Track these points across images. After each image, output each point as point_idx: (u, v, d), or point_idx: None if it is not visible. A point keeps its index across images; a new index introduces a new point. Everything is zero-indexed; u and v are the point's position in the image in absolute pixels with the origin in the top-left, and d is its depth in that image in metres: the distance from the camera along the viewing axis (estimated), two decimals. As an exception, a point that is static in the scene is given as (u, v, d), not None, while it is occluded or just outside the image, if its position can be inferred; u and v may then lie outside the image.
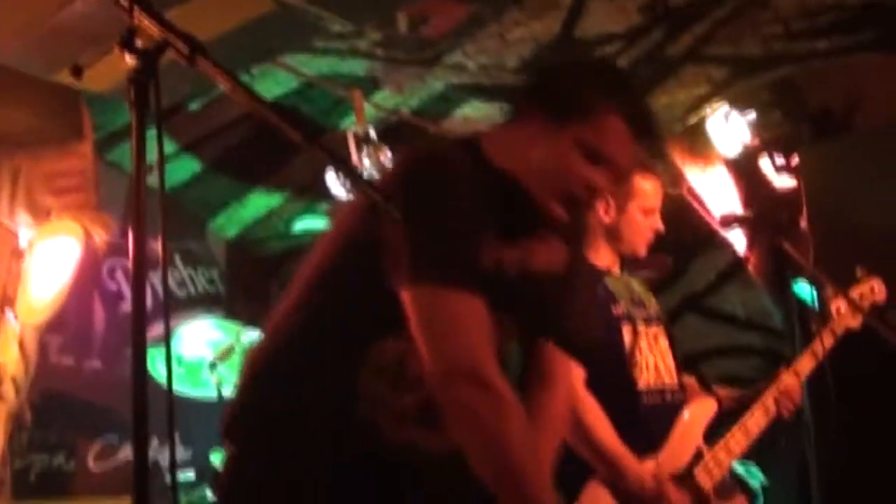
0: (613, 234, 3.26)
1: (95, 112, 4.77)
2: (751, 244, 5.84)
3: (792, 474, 5.05)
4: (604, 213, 3.22)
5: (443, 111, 5.46)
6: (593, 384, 2.97)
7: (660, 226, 3.29)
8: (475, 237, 2.15)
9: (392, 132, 5.16)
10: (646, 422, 3.15)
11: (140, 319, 1.63)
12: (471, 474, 2.12)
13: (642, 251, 3.29)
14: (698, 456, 3.17)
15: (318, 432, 2.18)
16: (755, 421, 3.27)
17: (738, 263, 6.01)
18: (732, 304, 6.23)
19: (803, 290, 4.36)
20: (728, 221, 4.22)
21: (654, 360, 3.24)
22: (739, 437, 3.24)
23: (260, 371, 2.32)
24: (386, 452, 2.17)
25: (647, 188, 3.26)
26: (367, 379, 2.16)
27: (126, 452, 5.55)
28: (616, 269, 3.29)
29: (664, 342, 3.31)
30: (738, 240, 5.86)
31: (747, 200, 5.79)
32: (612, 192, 2.79)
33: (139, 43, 1.65)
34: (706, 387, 3.41)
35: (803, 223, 5.05)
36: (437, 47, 4.92)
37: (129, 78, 1.66)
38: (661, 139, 2.35)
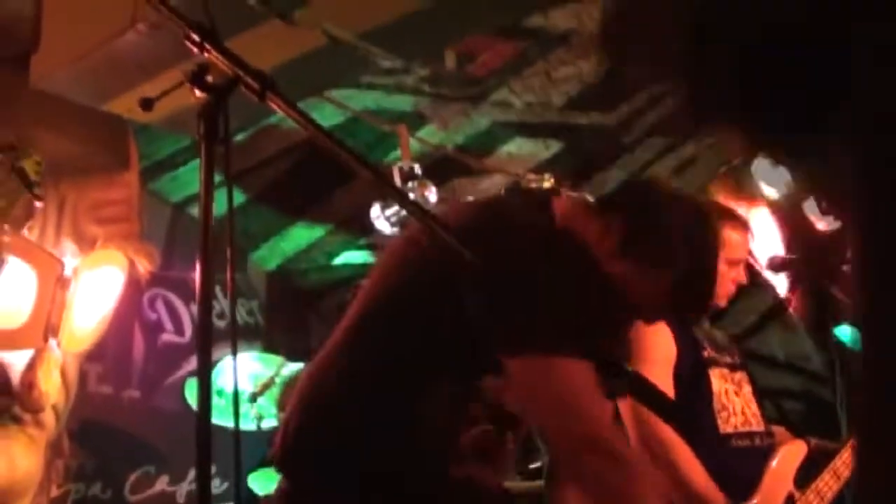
0: None
1: (139, 142, 4.81)
2: (793, 286, 5.79)
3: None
4: None
5: (487, 147, 5.47)
6: (683, 429, 2.97)
7: (743, 278, 3.25)
8: (572, 299, 2.14)
9: (437, 168, 5.17)
10: (735, 466, 3.12)
11: (205, 352, 1.62)
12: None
13: (723, 303, 3.25)
14: (790, 501, 3.14)
15: (375, 469, 2.17)
16: (844, 463, 3.23)
17: (779, 305, 5.95)
18: (772, 345, 6.18)
19: (845, 333, 4.32)
20: (776, 265, 4.17)
21: (741, 404, 3.22)
22: (830, 481, 3.21)
23: (313, 404, 2.31)
24: (442, 488, 2.19)
25: (735, 239, 3.21)
26: (428, 415, 2.16)
27: (163, 483, 5.55)
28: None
29: (748, 388, 3.29)
30: (779, 282, 5.81)
31: (790, 243, 5.75)
32: None
33: (209, 78, 1.66)
34: (795, 431, 3.38)
35: (847, 266, 5.00)
36: (483, 84, 4.94)
37: (199, 113, 1.67)
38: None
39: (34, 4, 4.03)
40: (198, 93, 1.65)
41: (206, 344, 1.68)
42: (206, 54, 1.66)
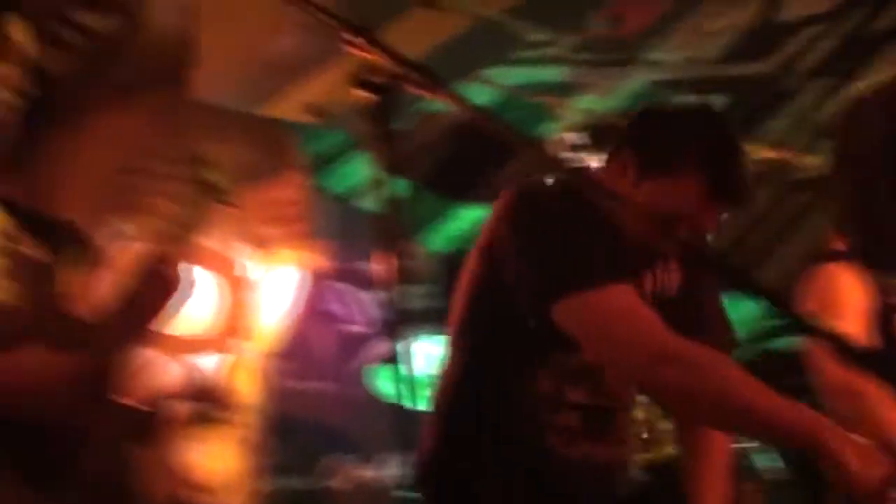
0: None
1: (300, 140, 4.91)
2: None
3: None
4: None
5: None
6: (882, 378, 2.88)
7: None
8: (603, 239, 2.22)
9: (599, 135, 5.12)
10: None
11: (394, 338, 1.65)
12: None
13: None
14: None
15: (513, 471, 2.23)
16: None
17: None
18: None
19: None
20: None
21: None
22: None
23: (442, 422, 2.36)
24: (566, 470, 2.30)
25: None
26: (532, 405, 2.20)
27: (356, 470, 5.67)
28: None
29: None
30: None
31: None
32: None
33: (371, 77, 1.67)
34: None
35: None
36: (634, 45, 4.86)
37: (366, 113, 1.69)
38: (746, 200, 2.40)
39: (188, 21, 4.15)
40: (362, 93, 1.66)
41: (394, 329, 1.72)
42: (364, 53, 1.67)
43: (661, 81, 5.15)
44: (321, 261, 4.60)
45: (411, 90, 1.70)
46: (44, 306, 1.88)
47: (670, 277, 2.52)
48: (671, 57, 4.94)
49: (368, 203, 5.85)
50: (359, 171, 5.56)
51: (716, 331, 2.60)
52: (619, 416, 2.47)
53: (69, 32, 4.03)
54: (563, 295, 2.17)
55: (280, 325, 4.67)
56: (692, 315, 2.49)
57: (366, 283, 5.93)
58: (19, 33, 1.96)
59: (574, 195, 2.27)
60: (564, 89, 4.92)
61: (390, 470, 5.72)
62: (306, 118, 4.34)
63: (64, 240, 2.01)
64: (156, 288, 2.09)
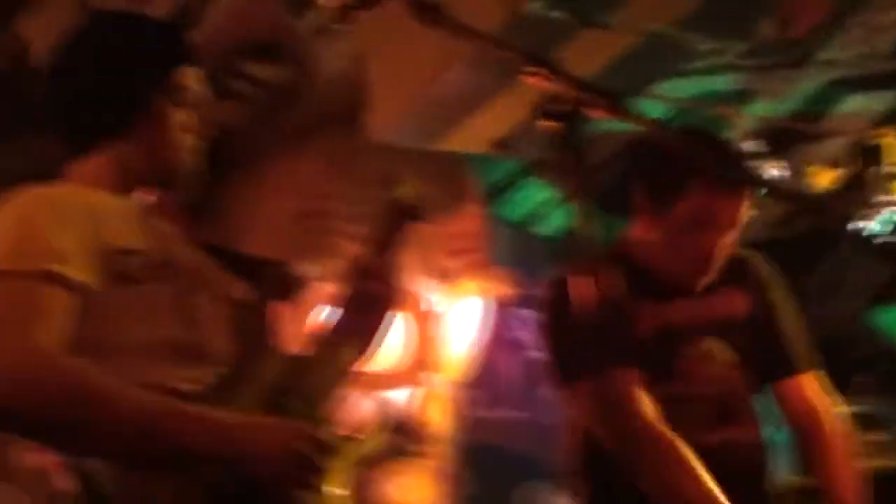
0: None
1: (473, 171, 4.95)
2: None
3: None
4: None
5: (821, 110, 5.24)
6: None
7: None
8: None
9: (775, 140, 5.02)
10: None
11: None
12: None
13: None
14: None
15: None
16: None
17: None
18: None
19: None
20: None
21: None
22: None
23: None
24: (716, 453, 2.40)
25: None
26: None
27: (550, 496, 5.65)
28: None
29: None
30: None
31: None
32: None
33: (556, 106, 1.68)
34: None
35: None
36: (804, 46, 4.74)
37: (552, 142, 1.69)
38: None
39: (357, 63, 4.24)
40: (546, 123, 1.66)
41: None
42: (544, 82, 1.68)
43: (833, 80, 5.01)
44: (504, 289, 4.63)
45: (595, 115, 1.69)
46: (254, 345, 1.94)
47: (733, 301, 2.62)
48: (843, 55, 4.80)
49: (545, 228, 5.88)
50: (533, 197, 5.57)
51: (793, 350, 2.67)
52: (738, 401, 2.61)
53: (241, 84, 4.19)
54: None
55: (468, 356, 4.72)
56: (764, 336, 2.62)
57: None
58: (194, 81, 2.04)
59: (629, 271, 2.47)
60: (737, 97, 4.83)
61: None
62: (484, 150, 4.38)
63: (269, 278, 2.08)
64: (370, 314, 2.15)
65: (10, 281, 1.71)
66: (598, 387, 2.22)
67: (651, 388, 2.42)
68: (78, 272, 1.74)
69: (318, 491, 1.80)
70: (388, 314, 2.19)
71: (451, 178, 4.72)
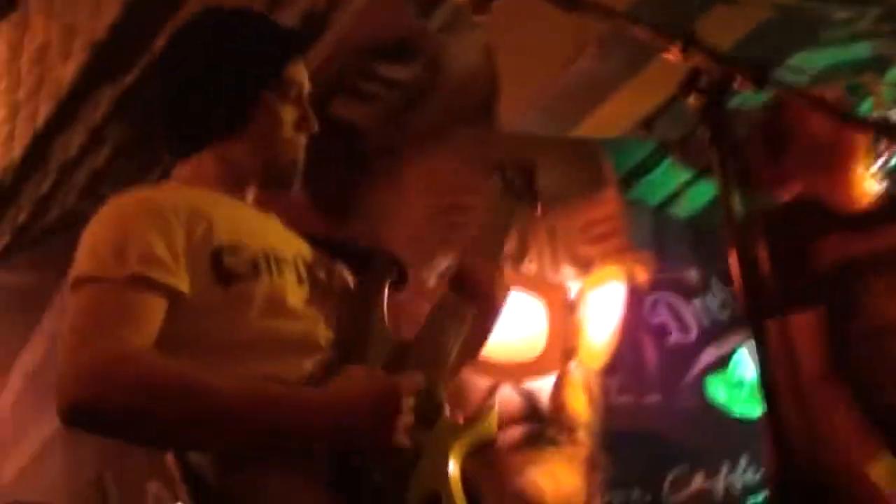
0: None
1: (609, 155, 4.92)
2: None
3: None
4: None
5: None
6: None
7: None
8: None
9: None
10: None
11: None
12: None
13: None
14: None
15: None
16: None
17: None
18: None
19: None
20: None
21: None
22: None
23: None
24: None
25: None
26: None
27: (699, 481, 5.59)
28: None
29: None
30: None
31: None
32: None
33: (702, 83, 1.66)
34: None
35: None
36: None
37: (700, 118, 1.68)
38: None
39: (487, 55, 4.26)
40: (693, 98, 1.65)
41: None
42: (691, 60, 1.67)
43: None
44: (643, 273, 4.59)
45: (741, 89, 1.67)
46: (362, 330, 1.93)
47: None
48: None
49: (683, 210, 5.81)
50: (670, 179, 5.51)
51: None
52: None
53: (374, 86, 4.24)
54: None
55: (609, 342, 4.69)
56: None
57: (689, 291, 5.85)
58: (301, 75, 2.04)
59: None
60: (876, 65, 4.69)
61: (732, 480, 5.61)
62: (618, 134, 4.36)
63: (378, 265, 2.06)
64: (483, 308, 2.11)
65: (104, 287, 1.74)
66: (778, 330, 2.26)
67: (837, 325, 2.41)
68: (170, 277, 1.77)
69: (412, 447, 1.76)
70: (500, 302, 2.13)
71: (588, 163, 4.70)
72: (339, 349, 1.88)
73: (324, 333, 1.89)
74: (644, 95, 4.16)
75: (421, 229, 4.08)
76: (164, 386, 1.66)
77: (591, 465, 4.79)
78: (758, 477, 5.62)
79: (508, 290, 2.18)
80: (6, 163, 4.69)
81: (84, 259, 1.80)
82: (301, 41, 2.14)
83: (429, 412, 1.84)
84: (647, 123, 1.80)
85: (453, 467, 1.86)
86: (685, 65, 1.69)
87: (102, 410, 1.64)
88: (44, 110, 4.22)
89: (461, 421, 1.93)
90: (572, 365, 4.46)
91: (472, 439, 1.92)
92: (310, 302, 1.91)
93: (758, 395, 5.00)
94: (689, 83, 1.66)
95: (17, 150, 4.57)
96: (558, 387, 4.44)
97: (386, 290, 2.01)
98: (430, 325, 2.01)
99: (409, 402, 1.75)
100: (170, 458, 1.81)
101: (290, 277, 1.90)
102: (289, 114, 1.99)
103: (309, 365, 1.83)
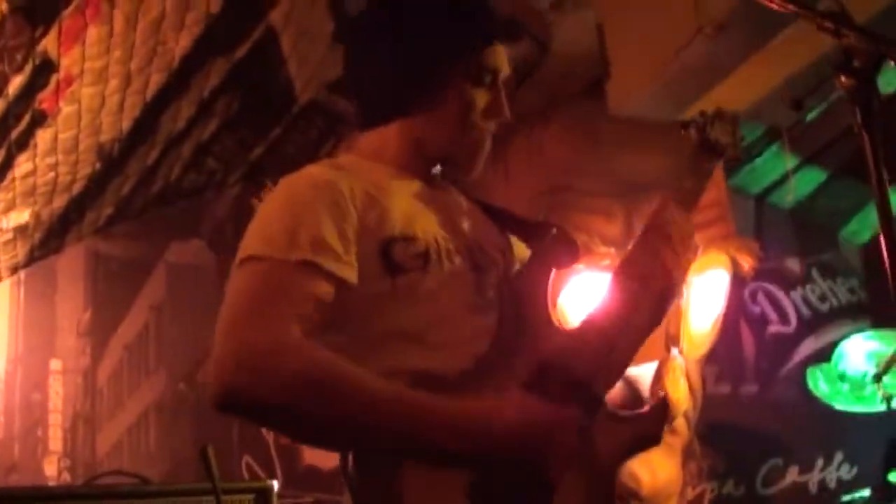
0: None
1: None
2: None
3: None
4: None
5: None
6: None
7: None
8: None
9: None
10: None
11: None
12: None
13: None
14: None
15: None
16: None
17: None
18: None
19: None
20: None
21: None
22: None
23: None
24: None
25: None
26: None
27: (793, 474, 5.52)
28: None
29: None
30: None
31: None
32: None
33: (854, 61, 1.62)
34: None
35: None
36: None
37: (849, 99, 1.63)
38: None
39: (598, 38, 4.22)
40: (844, 79, 1.60)
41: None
42: (844, 39, 1.62)
43: None
44: (748, 261, 4.52)
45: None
46: (525, 317, 1.88)
47: None
48: None
49: (784, 199, 5.72)
50: (774, 167, 5.42)
51: None
52: None
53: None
54: None
55: (710, 330, 4.63)
56: None
57: (789, 281, 5.77)
58: (499, 61, 1.97)
59: None
60: None
61: (827, 475, 5.53)
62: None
63: (549, 243, 1.99)
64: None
65: (269, 267, 1.72)
66: None
67: None
68: (340, 266, 1.74)
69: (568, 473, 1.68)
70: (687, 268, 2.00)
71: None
72: (500, 340, 1.83)
73: (486, 325, 1.84)
74: (757, 80, 4.08)
75: (527, 210, 4.06)
76: (318, 382, 1.64)
77: (688, 455, 4.74)
78: (854, 473, 5.53)
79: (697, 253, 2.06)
80: (115, 133, 4.75)
81: (254, 238, 1.77)
82: (503, 26, 2.07)
83: (586, 407, 1.76)
84: (798, 103, 1.75)
85: (608, 471, 1.79)
86: (836, 45, 1.64)
87: (254, 400, 1.63)
88: (155, 82, 4.27)
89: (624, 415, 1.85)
90: (674, 352, 4.40)
91: (631, 439, 1.84)
92: (478, 290, 1.87)
93: (861, 391, 4.89)
94: (841, 63, 1.60)
95: (127, 122, 4.62)
96: (659, 374, 4.38)
97: (553, 270, 1.94)
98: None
99: (566, 437, 1.70)
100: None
101: (460, 267, 1.86)
102: (481, 98, 1.93)
103: (468, 362, 1.79)
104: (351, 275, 1.75)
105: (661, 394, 2.12)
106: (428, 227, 1.87)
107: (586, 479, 1.73)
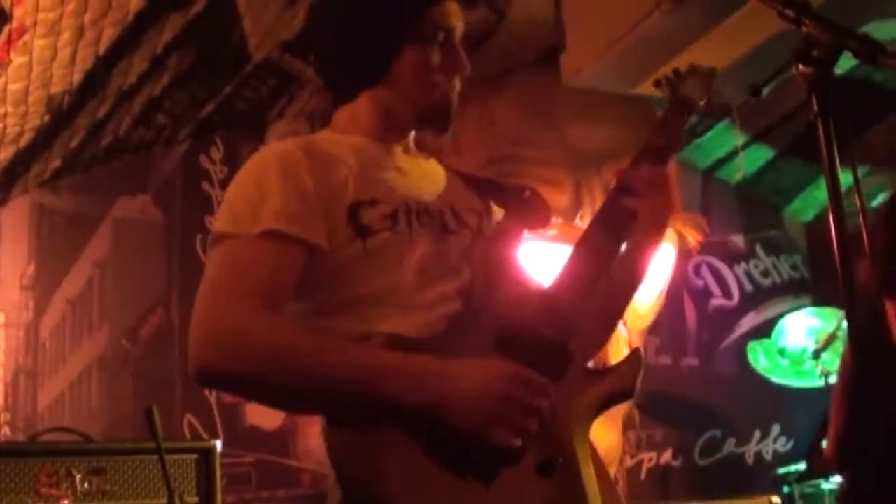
0: None
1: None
2: None
3: None
4: None
5: None
6: None
7: None
8: None
9: None
10: None
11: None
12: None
13: None
14: None
15: None
16: None
17: None
18: None
19: None
20: None
21: None
22: None
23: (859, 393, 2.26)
24: None
25: None
26: None
27: (730, 446, 5.61)
28: None
29: None
30: None
31: None
32: None
33: (812, 50, 1.64)
34: None
35: None
36: None
37: (807, 88, 1.65)
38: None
39: (555, 8, 4.22)
40: (802, 68, 1.63)
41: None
42: (804, 28, 1.64)
43: None
44: (696, 236, 4.56)
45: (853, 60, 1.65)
46: (496, 275, 1.90)
47: None
48: None
49: (732, 175, 5.78)
50: (721, 143, 5.47)
51: None
52: None
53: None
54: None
55: (654, 302, 4.68)
56: None
57: (733, 256, 5.84)
58: (449, 17, 1.98)
59: None
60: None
61: (763, 448, 5.62)
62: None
63: (521, 204, 2.02)
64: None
65: (235, 244, 1.76)
66: None
67: None
68: (304, 230, 1.77)
69: (534, 434, 1.66)
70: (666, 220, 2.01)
71: (644, 123, 4.67)
72: (472, 300, 1.84)
73: (458, 285, 1.86)
74: (711, 57, 4.10)
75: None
76: (283, 355, 1.70)
77: (627, 424, 4.80)
78: (790, 447, 5.63)
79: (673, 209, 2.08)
80: (66, 86, 4.69)
81: (222, 216, 1.82)
82: None
83: (556, 364, 1.76)
84: (756, 89, 1.77)
85: (580, 427, 1.79)
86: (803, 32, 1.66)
87: (225, 376, 1.71)
88: (108, 36, 4.21)
89: (596, 370, 1.86)
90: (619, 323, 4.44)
91: (607, 392, 1.83)
92: (450, 252, 1.89)
93: (801, 366, 4.95)
94: (801, 52, 1.62)
95: (78, 75, 4.56)
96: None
97: (524, 231, 1.98)
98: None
99: (523, 396, 1.68)
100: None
101: (432, 228, 1.89)
102: (436, 57, 1.93)
103: (441, 323, 1.80)
104: (317, 237, 1.79)
105: (635, 346, 2.17)
106: (398, 189, 1.89)
107: (558, 436, 1.73)
